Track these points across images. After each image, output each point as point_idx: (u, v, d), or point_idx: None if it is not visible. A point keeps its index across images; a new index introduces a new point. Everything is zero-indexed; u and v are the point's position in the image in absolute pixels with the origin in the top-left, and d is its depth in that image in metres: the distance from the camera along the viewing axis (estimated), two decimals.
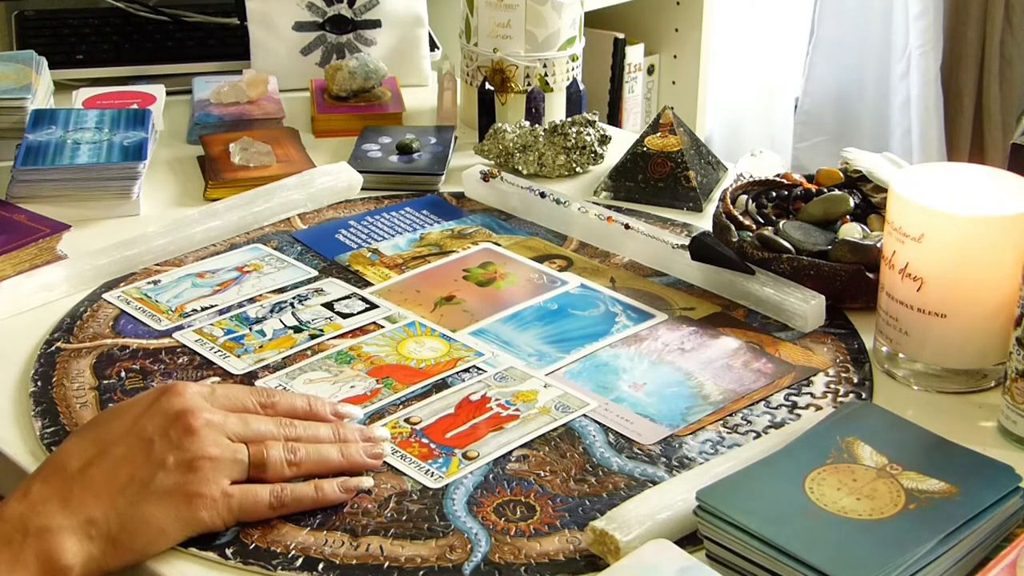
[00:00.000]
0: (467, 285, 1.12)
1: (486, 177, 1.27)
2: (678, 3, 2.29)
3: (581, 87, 1.43)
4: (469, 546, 0.81)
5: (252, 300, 1.09)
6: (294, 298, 1.09)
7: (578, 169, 1.35)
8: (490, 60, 1.42)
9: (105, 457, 0.80)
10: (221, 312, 1.07)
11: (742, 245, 1.09)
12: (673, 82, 2.35)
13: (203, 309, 1.08)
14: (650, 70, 2.34)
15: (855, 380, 0.98)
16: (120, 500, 0.78)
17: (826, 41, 2.89)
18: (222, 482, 0.80)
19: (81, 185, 1.24)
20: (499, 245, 1.19)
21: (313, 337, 1.03)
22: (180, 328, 1.05)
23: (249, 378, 0.98)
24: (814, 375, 0.99)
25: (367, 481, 0.86)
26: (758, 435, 0.91)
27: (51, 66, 1.46)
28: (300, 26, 1.57)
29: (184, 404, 0.82)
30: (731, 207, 1.14)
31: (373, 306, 1.08)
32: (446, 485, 0.86)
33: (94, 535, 0.77)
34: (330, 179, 1.28)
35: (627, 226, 1.17)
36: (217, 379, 0.96)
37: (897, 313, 0.97)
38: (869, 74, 2.88)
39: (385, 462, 0.88)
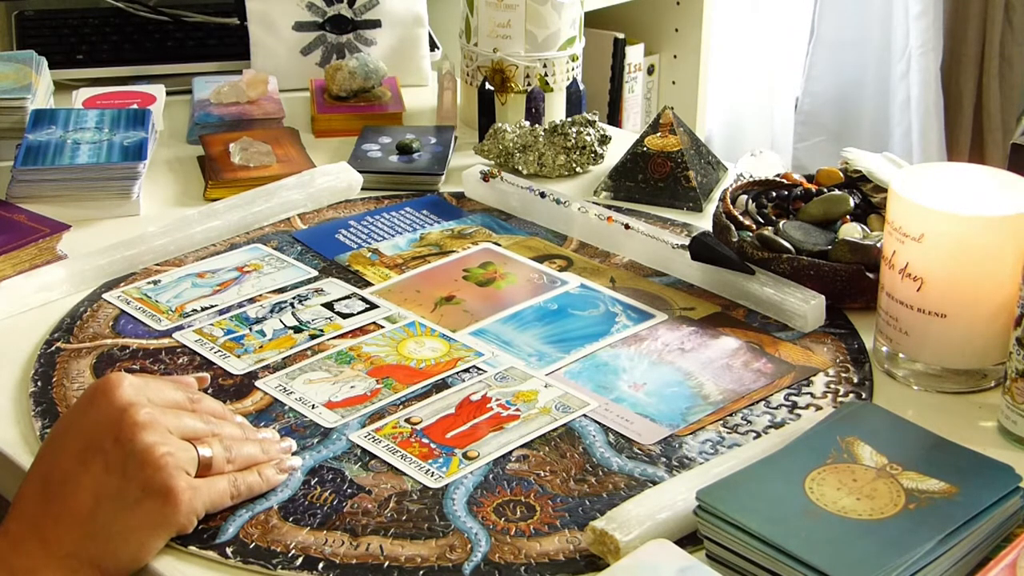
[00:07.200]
0: (467, 285, 1.12)
1: (486, 177, 1.27)
2: (678, 3, 2.29)
3: (581, 87, 1.43)
4: (469, 546, 0.81)
5: (252, 300, 1.09)
6: (294, 298, 1.09)
7: (578, 169, 1.35)
8: (490, 60, 1.42)
9: (65, 485, 0.78)
10: (221, 312, 1.07)
11: (742, 245, 1.09)
12: (673, 82, 2.35)
13: (203, 309, 1.08)
14: (650, 70, 2.34)
15: (855, 380, 0.98)
16: (92, 525, 0.77)
17: (826, 41, 2.89)
18: (186, 476, 0.79)
19: (81, 185, 1.24)
20: (499, 245, 1.19)
21: (313, 337, 1.03)
22: (180, 328, 1.05)
23: (249, 378, 0.98)
24: (814, 375, 0.99)
25: (297, 460, 0.88)
26: (758, 435, 0.91)
27: (51, 66, 1.46)
28: (300, 26, 1.58)
29: (123, 398, 0.79)
30: (731, 207, 1.14)
31: (373, 306, 1.08)
32: (446, 485, 0.86)
33: (77, 567, 0.76)
34: (330, 179, 1.28)
35: (627, 226, 1.17)
36: (204, 373, 0.96)
37: (897, 313, 0.97)
38: (869, 74, 2.88)
39: (385, 462, 0.88)
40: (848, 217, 1.12)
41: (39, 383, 0.97)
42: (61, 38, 1.64)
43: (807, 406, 0.95)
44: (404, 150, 1.35)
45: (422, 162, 1.34)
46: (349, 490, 0.86)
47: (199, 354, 1.01)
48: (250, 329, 1.05)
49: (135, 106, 1.41)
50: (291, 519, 0.83)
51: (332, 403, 0.95)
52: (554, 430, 0.92)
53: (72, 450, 0.79)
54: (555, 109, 1.44)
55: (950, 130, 2.83)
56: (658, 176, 1.28)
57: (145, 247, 1.15)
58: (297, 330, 1.04)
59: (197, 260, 1.16)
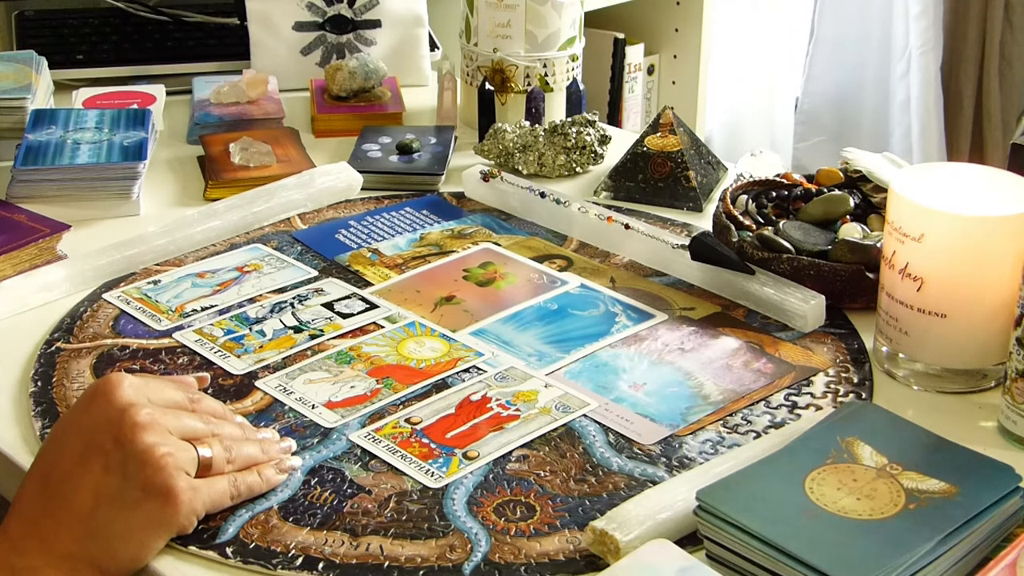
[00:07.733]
0: (467, 285, 1.12)
1: (486, 177, 1.27)
2: (678, 3, 2.29)
3: (581, 87, 1.43)
4: (469, 546, 0.81)
5: (252, 300, 1.09)
6: (294, 298, 1.09)
7: (578, 169, 1.35)
8: (490, 60, 1.42)
9: (65, 485, 0.78)
10: (221, 312, 1.07)
11: (742, 245, 1.09)
12: (673, 82, 2.35)
13: (203, 309, 1.08)
14: (650, 70, 2.34)
15: (855, 380, 0.98)
16: (92, 525, 0.77)
17: (826, 41, 2.89)
18: (186, 477, 0.79)
19: (81, 185, 1.24)
20: (499, 245, 1.19)
21: (313, 337, 1.03)
22: (180, 328, 1.05)
23: (249, 378, 0.98)
24: (814, 375, 0.99)
25: (297, 460, 0.88)
26: (758, 435, 0.91)
27: (51, 66, 1.46)
28: (300, 26, 1.58)
29: (123, 399, 0.79)
30: (731, 207, 1.14)
31: (373, 306, 1.08)
32: (446, 485, 0.86)
33: (77, 567, 0.76)
34: (330, 179, 1.28)
35: (627, 226, 1.17)
36: (204, 373, 0.95)
37: (897, 313, 0.97)
38: (869, 74, 2.88)
39: (385, 462, 0.88)
40: (848, 217, 1.12)
41: (39, 383, 0.97)
42: (61, 38, 1.64)
43: (807, 406, 0.95)
44: (404, 150, 1.35)
45: (422, 162, 1.34)
46: (349, 490, 0.86)
47: (199, 354, 1.01)
48: (250, 329, 1.05)
49: (135, 106, 1.41)
50: (291, 519, 0.83)
51: (332, 403, 0.95)
52: (554, 430, 0.92)
53: (72, 450, 0.79)
54: (555, 109, 1.44)
55: (950, 130, 2.83)
56: (658, 176, 1.28)
57: (145, 247, 1.15)
58: (297, 330, 1.04)
59: (197, 260, 1.16)
